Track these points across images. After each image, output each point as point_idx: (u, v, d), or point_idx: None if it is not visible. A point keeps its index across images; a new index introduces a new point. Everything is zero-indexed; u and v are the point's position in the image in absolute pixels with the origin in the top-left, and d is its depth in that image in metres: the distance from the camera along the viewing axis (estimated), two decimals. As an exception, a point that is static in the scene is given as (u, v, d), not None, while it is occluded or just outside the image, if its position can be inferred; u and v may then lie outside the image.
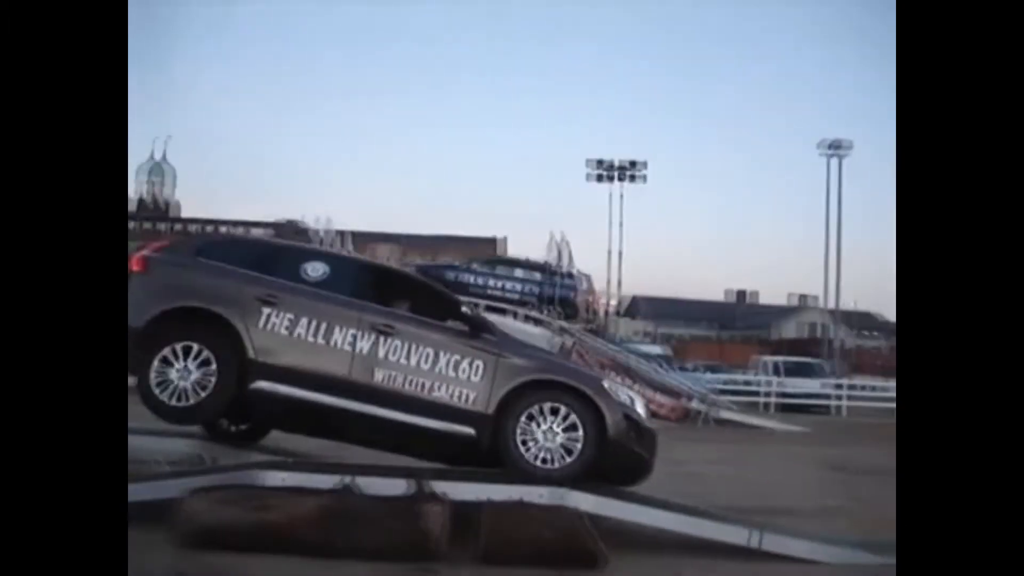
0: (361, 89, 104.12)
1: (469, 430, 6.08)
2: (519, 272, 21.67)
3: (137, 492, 6.30)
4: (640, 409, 6.56)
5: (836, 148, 39.76)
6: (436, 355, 6.17)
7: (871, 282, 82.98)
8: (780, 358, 30.55)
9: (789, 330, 61.77)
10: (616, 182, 45.74)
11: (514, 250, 34.54)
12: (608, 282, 43.23)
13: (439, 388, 6.13)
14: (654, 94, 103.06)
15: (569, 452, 5.95)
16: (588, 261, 38.13)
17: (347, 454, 7.07)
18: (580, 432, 5.95)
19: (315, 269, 6.46)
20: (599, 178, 45.98)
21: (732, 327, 63.58)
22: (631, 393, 6.99)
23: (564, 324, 20.99)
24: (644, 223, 66.75)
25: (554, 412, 5.99)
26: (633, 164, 45.93)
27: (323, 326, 6.18)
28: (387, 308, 6.39)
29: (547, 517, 5.60)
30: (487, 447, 6.09)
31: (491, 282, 21.22)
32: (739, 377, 29.57)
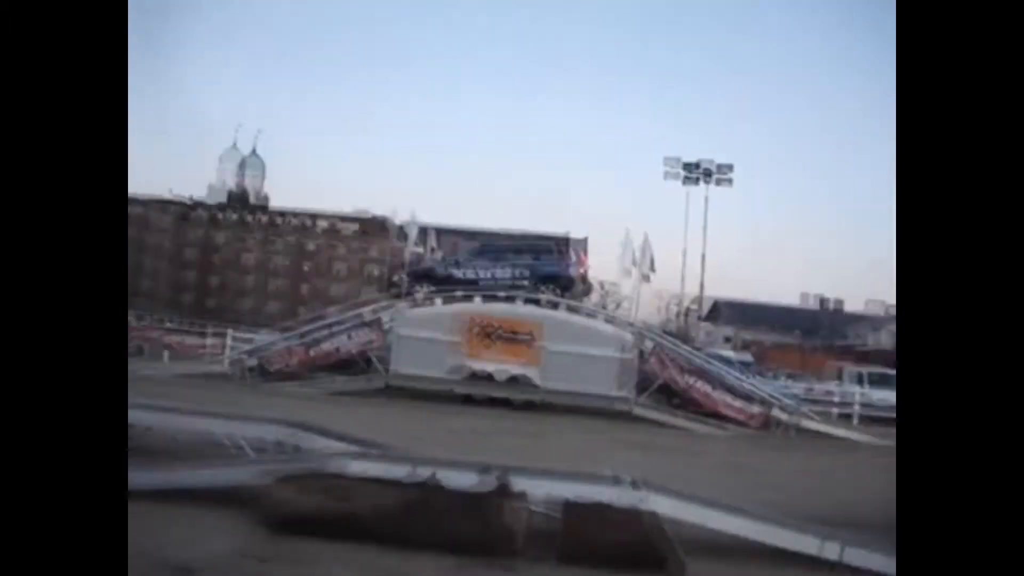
0: (446, 88, 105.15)
1: None
2: (509, 256, 21.13)
3: (222, 477, 6.52)
4: None
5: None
6: None
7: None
8: (865, 368, 29.75)
9: (879, 339, 60.09)
10: (702, 184, 45.53)
11: (594, 250, 34.34)
12: (683, 284, 42.77)
13: None
14: (740, 96, 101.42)
15: None
16: (667, 263, 37.94)
17: (428, 448, 7.14)
18: None
19: None
20: (684, 180, 45.79)
21: (815, 334, 62.16)
22: None
23: (642, 328, 20.78)
24: (727, 226, 65.78)
25: None
26: (720, 167, 45.65)
27: None
28: None
29: (625, 519, 5.56)
30: None
31: (479, 273, 20.78)
32: (822, 386, 28.88)
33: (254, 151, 61.82)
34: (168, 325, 35.11)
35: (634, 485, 5.95)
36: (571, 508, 5.65)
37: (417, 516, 5.43)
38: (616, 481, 6.01)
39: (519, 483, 5.71)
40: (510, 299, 19.01)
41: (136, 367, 21.02)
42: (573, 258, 22.73)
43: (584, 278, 23.28)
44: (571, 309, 19.87)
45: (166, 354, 25.58)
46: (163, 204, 72.62)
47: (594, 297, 26.18)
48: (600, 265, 36.01)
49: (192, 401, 11.69)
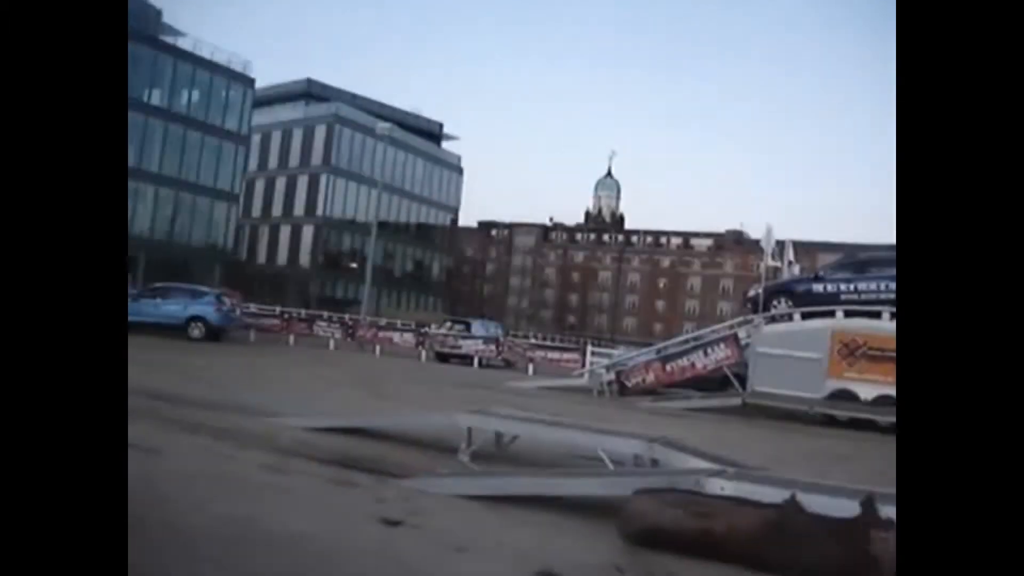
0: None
1: None
2: (873, 269, 18.69)
3: (582, 486, 6.76)
4: None
5: None
6: None
7: None
8: None
9: None
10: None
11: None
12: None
13: None
14: None
15: None
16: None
17: (787, 469, 6.90)
18: None
19: None
20: None
21: None
22: None
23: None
24: None
25: None
26: None
27: None
28: None
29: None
30: None
31: (841, 287, 18.81)
32: None
33: (609, 172, 63.71)
34: (532, 340, 37.15)
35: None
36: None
37: (775, 538, 5.24)
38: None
39: (887, 510, 5.30)
40: (875, 314, 17.73)
41: (504, 379, 22.55)
42: None
43: None
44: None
45: (530, 367, 27.11)
46: (527, 227, 77.16)
47: None
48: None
49: (554, 413, 12.28)
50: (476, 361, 28.82)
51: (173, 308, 25.53)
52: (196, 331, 25.21)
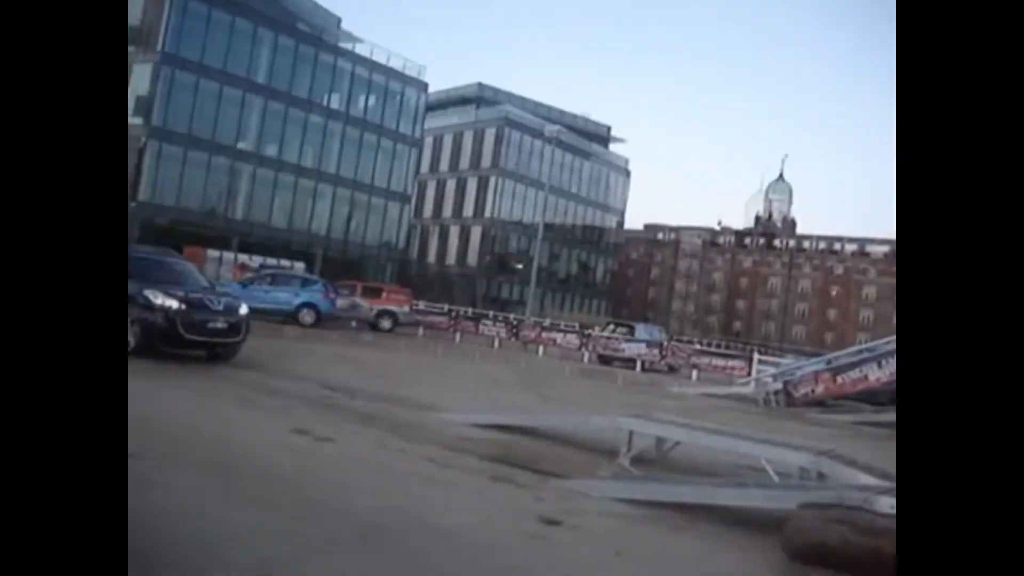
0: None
1: None
2: None
3: (746, 497, 6.62)
4: None
5: None
6: None
7: None
8: None
9: None
10: None
11: None
12: None
13: None
14: None
15: None
16: None
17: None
18: None
19: None
20: None
21: None
22: None
23: None
24: None
25: None
26: None
27: None
28: None
29: None
30: None
31: None
32: None
33: (781, 176, 61.81)
34: (696, 346, 36.55)
35: None
36: None
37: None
38: None
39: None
40: None
41: (667, 384, 22.32)
42: None
43: None
44: None
45: (694, 373, 26.68)
46: (694, 230, 75.85)
47: None
48: None
49: (718, 421, 12.05)
50: (639, 365, 28.63)
51: (283, 295, 26.43)
52: (308, 318, 26.19)
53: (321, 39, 55.26)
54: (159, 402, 8.75)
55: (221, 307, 13.13)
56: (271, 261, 37.71)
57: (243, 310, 13.62)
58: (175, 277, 13.60)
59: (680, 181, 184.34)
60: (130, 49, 46.24)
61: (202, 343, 13.06)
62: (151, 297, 12.30)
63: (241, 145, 50.57)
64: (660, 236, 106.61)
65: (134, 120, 45.21)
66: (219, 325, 12.95)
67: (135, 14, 46.15)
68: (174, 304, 12.38)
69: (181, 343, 12.68)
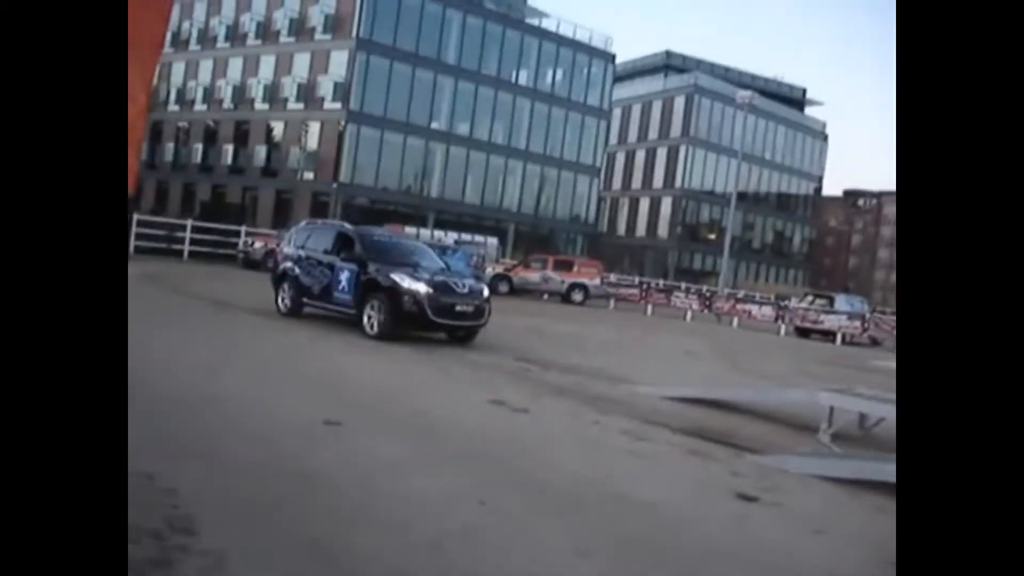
0: None
1: None
2: None
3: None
4: None
5: None
6: None
7: None
8: None
9: None
10: None
11: None
12: None
13: None
14: None
15: None
16: None
17: None
18: None
19: None
20: None
21: None
22: None
23: None
24: None
25: None
26: None
27: None
28: None
29: None
30: None
31: None
32: None
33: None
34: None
35: None
36: None
37: None
38: None
39: None
40: None
41: (870, 358, 21.33)
42: None
43: None
44: None
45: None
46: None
47: None
48: None
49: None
50: (839, 338, 27.55)
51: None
52: None
53: (508, 16, 55.94)
54: (368, 374, 9.27)
55: (467, 290, 13.11)
56: (465, 236, 38.79)
57: (485, 292, 13.63)
58: (415, 259, 13.88)
59: (882, 144, 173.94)
60: (326, 37, 48.74)
61: (449, 326, 13.16)
62: (398, 280, 12.58)
63: (434, 125, 52.14)
64: (861, 202, 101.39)
65: (332, 105, 47.60)
66: (466, 308, 13.01)
67: (329, 3, 48.54)
68: (422, 288, 12.54)
69: (431, 326, 12.86)
